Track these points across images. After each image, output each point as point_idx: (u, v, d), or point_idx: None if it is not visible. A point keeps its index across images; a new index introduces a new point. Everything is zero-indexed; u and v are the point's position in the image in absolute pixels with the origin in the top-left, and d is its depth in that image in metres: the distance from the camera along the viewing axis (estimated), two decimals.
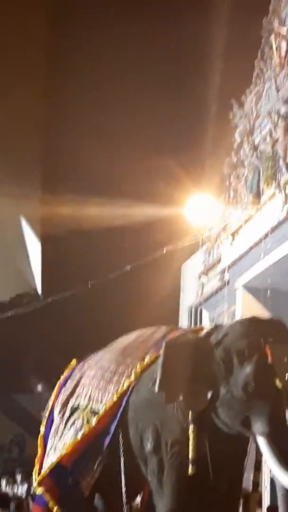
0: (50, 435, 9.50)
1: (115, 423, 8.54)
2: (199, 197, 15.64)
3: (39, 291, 20.45)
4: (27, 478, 16.17)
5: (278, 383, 7.28)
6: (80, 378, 9.48)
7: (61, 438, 9.21)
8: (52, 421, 9.59)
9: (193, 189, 16.12)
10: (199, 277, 19.47)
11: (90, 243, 20.37)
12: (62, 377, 9.89)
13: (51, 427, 9.58)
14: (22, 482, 16.08)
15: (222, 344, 7.86)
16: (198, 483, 7.83)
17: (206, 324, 15.52)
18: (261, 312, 13.37)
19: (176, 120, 20.85)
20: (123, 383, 8.73)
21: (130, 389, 8.61)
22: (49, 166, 21.32)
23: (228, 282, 16.39)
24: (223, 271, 16.85)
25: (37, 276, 20.89)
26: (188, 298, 20.76)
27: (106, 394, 8.81)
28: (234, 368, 7.65)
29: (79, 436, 8.78)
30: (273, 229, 13.77)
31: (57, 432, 9.36)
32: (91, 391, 9.05)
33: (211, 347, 7.92)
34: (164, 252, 15.60)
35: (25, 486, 15.68)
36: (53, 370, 10.67)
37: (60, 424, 9.33)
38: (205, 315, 19.20)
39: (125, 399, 8.67)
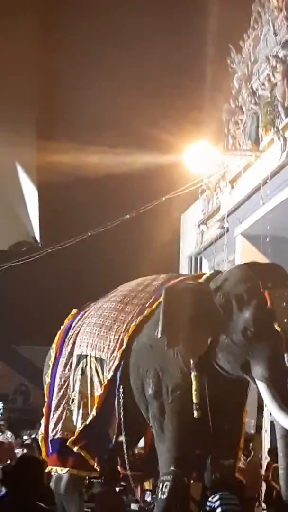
0: (59, 385, 9.62)
1: (120, 370, 8.67)
2: (198, 144, 15.48)
3: (38, 239, 20.31)
4: (9, 426, 16.56)
5: (277, 327, 7.32)
6: (81, 327, 9.55)
7: (75, 388, 9.34)
8: (58, 370, 9.71)
9: (192, 136, 15.97)
10: (199, 226, 19.46)
11: (88, 191, 20.23)
12: (63, 327, 9.96)
13: (58, 376, 9.71)
14: (4, 431, 16.21)
15: (221, 290, 7.89)
16: (199, 426, 7.95)
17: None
18: (261, 259, 13.37)
19: (174, 67, 20.58)
20: (125, 332, 8.83)
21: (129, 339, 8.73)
22: (45, 113, 21.01)
23: (227, 230, 16.38)
24: (222, 219, 16.80)
25: (35, 224, 20.71)
26: (187, 247, 20.78)
27: (108, 342, 8.89)
28: (233, 313, 7.69)
29: (98, 393, 8.95)
30: (272, 175, 13.69)
31: (67, 382, 9.46)
32: (93, 339, 9.14)
33: (210, 292, 7.95)
34: (164, 200, 15.53)
35: (8, 433, 15.85)
36: (54, 320, 10.72)
37: (69, 375, 9.43)
38: (205, 263, 19.25)
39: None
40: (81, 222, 18.48)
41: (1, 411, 22.11)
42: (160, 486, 7.86)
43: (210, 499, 7.66)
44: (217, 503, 7.54)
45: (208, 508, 7.60)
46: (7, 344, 24.58)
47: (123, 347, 8.66)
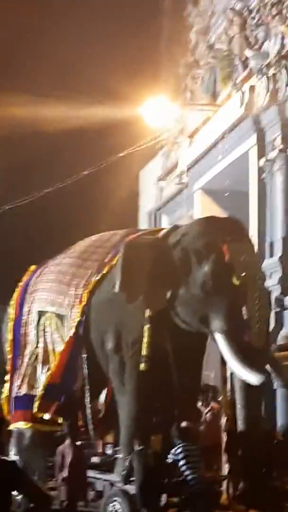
0: (21, 342, 9.62)
1: (81, 328, 8.69)
2: (156, 99, 15.32)
3: None
4: None
5: (235, 280, 7.38)
6: (40, 283, 9.55)
7: (38, 345, 9.35)
8: (19, 327, 9.70)
9: (150, 91, 15.80)
10: (158, 181, 19.36)
11: (46, 146, 19.95)
12: (21, 284, 9.93)
13: (19, 333, 9.70)
14: None
15: (180, 244, 7.92)
16: (159, 379, 8.04)
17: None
18: (220, 213, 13.37)
19: (131, 20, 20.27)
20: (85, 288, 8.83)
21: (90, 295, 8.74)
22: (2, 65, 20.56)
23: (186, 185, 16.32)
24: (181, 174, 16.74)
25: None
26: (147, 203, 20.69)
27: (68, 298, 8.91)
28: (192, 268, 7.73)
29: (57, 352, 8.96)
30: (230, 130, 13.63)
31: (29, 339, 9.48)
32: (53, 295, 9.14)
33: (169, 247, 7.99)
34: (123, 154, 15.39)
35: None
36: (11, 279, 10.64)
37: (31, 330, 9.45)
38: (165, 219, 19.20)
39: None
40: (38, 177, 18.27)
41: None
42: (134, 460, 7.93)
43: (172, 451, 7.75)
44: (180, 455, 7.64)
45: (171, 460, 7.70)
46: None
47: (83, 303, 8.69)
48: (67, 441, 8.65)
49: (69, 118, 16.06)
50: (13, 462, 4.48)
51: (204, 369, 8.63)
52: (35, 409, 8.84)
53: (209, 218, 8.36)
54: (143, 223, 20.28)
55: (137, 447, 8.05)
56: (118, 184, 18.91)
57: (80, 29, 19.64)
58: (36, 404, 8.85)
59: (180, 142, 17.75)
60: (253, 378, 7.31)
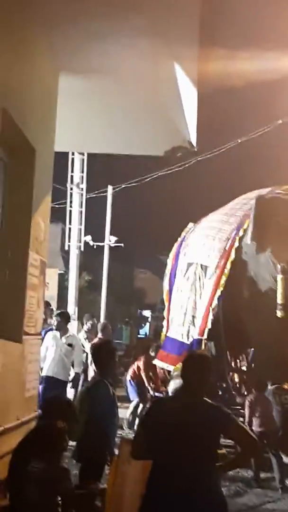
0: (174, 290, 10.41)
1: (223, 280, 9.24)
2: None
3: (194, 145, 20.37)
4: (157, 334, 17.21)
5: None
6: (192, 238, 10.24)
7: (182, 291, 10.11)
8: (174, 278, 10.49)
9: None
10: None
11: (244, 98, 20.08)
12: (179, 239, 10.69)
13: (173, 284, 10.51)
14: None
15: None
16: None
17: None
18: None
19: None
20: (230, 242, 9.35)
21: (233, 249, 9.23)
22: (208, 19, 20.65)
23: None
24: None
25: (192, 130, 20.84)
26: None
27: (211, 251, 9.54)
28: None
29: (200, 302, 9.55)
30: None
31: (179, 287, 10.27)
32: (200, 248, 9.80)
33: None
34: None
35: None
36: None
37: (181, 280, 10.22)
38: None
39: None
40: (237, 128, 18.62)
41: (150, 319, 22.66)
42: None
43: None
44: None
45: None
46: (153, 254, 25.09)
47: (231, 258, 9.17)
48: (255, 393, 8.68)
49: (264, 70, 16.07)
50: (219, 406, 4.36)
51: None
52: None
53: None
54: None
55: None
56: None
57: None
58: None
59: None
60: None
